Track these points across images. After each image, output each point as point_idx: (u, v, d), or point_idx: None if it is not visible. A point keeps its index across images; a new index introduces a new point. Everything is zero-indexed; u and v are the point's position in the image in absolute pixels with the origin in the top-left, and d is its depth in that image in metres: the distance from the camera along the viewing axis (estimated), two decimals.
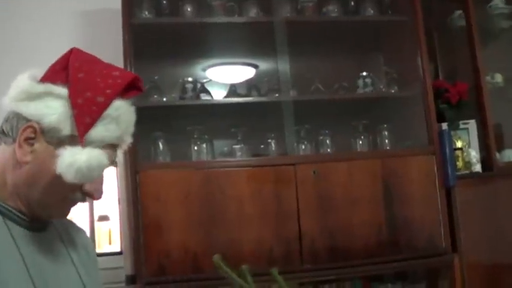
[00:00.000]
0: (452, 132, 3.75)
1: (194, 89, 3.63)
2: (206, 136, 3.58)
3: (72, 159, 1.39)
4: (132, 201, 3.23)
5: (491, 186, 3.72)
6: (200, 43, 3.75)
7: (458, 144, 3.79)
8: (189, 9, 3.63)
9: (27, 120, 1.43)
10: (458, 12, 4.08)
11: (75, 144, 1.41)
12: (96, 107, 1.42)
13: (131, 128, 1.56)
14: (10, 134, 1.46)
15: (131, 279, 3.38)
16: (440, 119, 3.76)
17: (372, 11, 3.89)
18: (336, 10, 3.84)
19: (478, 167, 3.77)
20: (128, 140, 1.56)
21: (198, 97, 3.64)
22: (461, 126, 3.83)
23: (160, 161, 3.48)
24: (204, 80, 3.76)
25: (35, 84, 1.45)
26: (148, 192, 3.23)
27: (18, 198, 1.48)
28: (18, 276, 1.42)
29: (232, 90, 3.83)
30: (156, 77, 3.61)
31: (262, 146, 3.72)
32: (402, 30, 3.88)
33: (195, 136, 3.57)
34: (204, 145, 3.56)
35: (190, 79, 3.64)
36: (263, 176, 3.38)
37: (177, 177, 3.30)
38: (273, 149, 3.69)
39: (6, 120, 1.47)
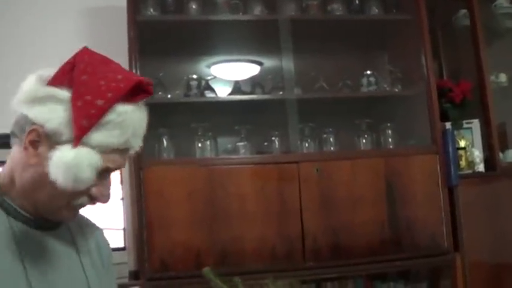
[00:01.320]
0: (455, 132, 3.75)
1: (198, 86, 3.64)
2: (210, 133, 3.59)
3: (59, 159, 1.37)
4: (136, 197, 3.25)
5: (494, 186, 3.73)
6: (205, 40, 3.76)
7: (462, 143, 3.79)
8: (194, 7, 3.63)
9: (33, 123, 1.41)
10: (463, 11, 4.07)
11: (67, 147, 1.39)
12: (95, 110, 1.38)
13: (140, 132, 1.52)
14: (19, 135, 1.45)
15: (134, 275, 3.39)
16: (444, 118, 3.76)
17: (376, 10, 3.89)
18: (340, 9, 3.84)
19: (481, 167, 3.77)
20: (138, 143, 1.53)
21: (202, 94, 3.65)
22: (465, 125, 3.84)
23: (164, 158, 3.49)
24: (209, 77, 3.77)
25: (39, 87, 1.43)
26: (151, 189, 3.24)
27: (26, 200, 1.48)
28: (12, 276, 1.42)
29: (237, 87, 3.84)
30: (160, 74, 3.61)
31: (265, 144, 3.73)
32: (406, 29, 3.88)
33: (199, 133, 3.58)
34: (208, 142, 3.57)
35: (194, 76, 3.65)
36: (266, 174, 3.39)
37: (181, 174, 3.31)
38: (277, 146, 3.70)
39: (17, 122, 1.46)
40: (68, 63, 1.46)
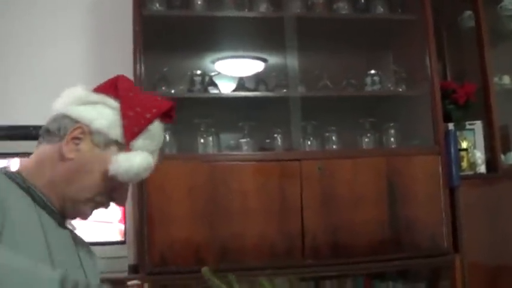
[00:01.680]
0: (458, 133, 3.75)
1: (202, 81, 3.65)
2: (213, 129, 3.60)
3: (127, 161, 1.58)
4: (137, 191, 3.25)
5: (495, 187, 3.73)
6: (210, 36, 3.76)
7: (464, 144, 3.80)
8: (199, 2, 3.63)
9: (77, 122, 1.60)
10: (468, 12, 4.06)
11: (120, 149, 1.61)
12: (144, 120, 1.63)
13: (159, 148, 1.72)
14: (57, 133, 1.60)
15: (134, 269, 3.40)
16: (447, 119, 3.77)
17: (381, 9, 3.89)
18: (346, 7, 3.85)
19: (482, 168, 3.78)
20: (155, 157, 1.70)
21: (206, 90, 3.65)
22: (468, 127, 3.84)
23: (166, 153, 3.47)
24: (213, 73, 3.78)
25: (89, 93, 1.65)
26: (153, 184, 3.24)
27: (52, 192, 1.59)
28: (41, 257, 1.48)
29: (241, 84, 3.84)
30: (165, 69, 3.63)
31: (268, 141, 3.73)
32: (412, 29, 3.88)
33: (202, 129, 3.59)
34: (211, 138, 3.58)
35: (198, 72, 3.66)
36: (268, 171, 3.40)
37: (183, 170, 3.32)
38: (279, 144, 3.70)
39: (54, 121, 1.62)
40: (107, 82, 1.69)
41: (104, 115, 1.61)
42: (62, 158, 1.58)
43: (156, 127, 1.67)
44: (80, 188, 1.59)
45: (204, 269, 1.54)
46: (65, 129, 1.59)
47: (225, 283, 1.54)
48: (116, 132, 1.60)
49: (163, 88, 3.58)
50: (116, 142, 1.60)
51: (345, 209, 3.45)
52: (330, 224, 3.42)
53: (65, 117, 1.61)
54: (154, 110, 1.65)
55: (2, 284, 1.17)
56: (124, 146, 1.60)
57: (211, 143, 3.58)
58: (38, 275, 1.22)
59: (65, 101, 1.64)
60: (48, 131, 1.62)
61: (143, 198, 3.24)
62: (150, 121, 1.64)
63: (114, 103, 1.62)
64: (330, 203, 3.43)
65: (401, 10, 3.93)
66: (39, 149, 1.63)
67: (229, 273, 1.56)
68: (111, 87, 1.66)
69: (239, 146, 3.67)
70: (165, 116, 1.70)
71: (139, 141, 1.62)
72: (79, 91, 1.65)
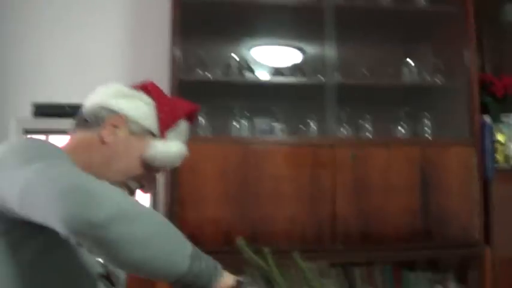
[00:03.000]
0: (493, 125, 3.72)
1: (239, 67, 3.68)
2: (247, 113, 3.64)
3: (167, 149, 1.71)
4: (170, 173, 3.29)
5: None
6: (248, 22, 3.78)
7: (499, 137, 3.77)
8: None
9: (115, 112, 1.69)
10: (509, 5, 4.03)
11: (155, 139, 1.71)
12: (177, 115, 1.76)
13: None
14: (95, 122, 1.69)
15: None
16: (483, 111, 3.73)
17: (422, 1, 3.87)
18: None
19: None
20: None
21: (242, 75, 3.69)
22: (504, 119, 3.81)
23: (200, 135, 3.52)
24: (249, 59, 3.81)
25: (126, 88, 1.76)
26: (186, 165, 3.25)
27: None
28: None
29: (277, 70, 3.87)
30: (201, 53, 3.67)
31: (302, 128, 3.75)
32: (452, 21, 3.85)
33: (236, 113, 3.63)
34: (245, 122, 3.63)
35: (235, 57, 3.70)
36: (301, 156, 3.41)
37: (216, 152, 3.35)
38: (313, 130, 3.72)
39: (92, 111, 1.70)
40: (141, 84, 1.80)
41: (140, 108, 1.71)
42: (100, 142, 1.67)
43: (184, 125, 1.79)
44: (116, 170, 1.67)
45: (240, 240, 1.55)
46: (103, 119, 1.68)
47: (259, 256, 1.55)
48: (151, 123, 1.71)
49: (199, 72, 3.61)
50: (150, 133, 1.71)
51: (377, 197, 3.45)
52: (361, 211, 3.42)
53: (102, 108, 1.69)
54: (184, 110, 1.79)
55: (158, 237, 1.33)
56: (158, 136, 1.71)
57: (244, 127, 3.62)
58: (182, 238, 1.40)
59: (102, 94, 1.73)
60: (85, 121, 1.70)
61: (175, 179, 3.28)
62: (181, 117, 1.77)
63: (148, 99, 1.73)
64: (362, 191, 3.44)
65: (442, 2, 3.90)
66: (75, 136, 1.70)
67: (264, 247, 1.57)
68: (142, 88, 1.77)
69: (272, 130, 3.69)
70: (189, 118, 1.82)
71: (171, 134, 1.73)
72: (118, 85, 1.76)
